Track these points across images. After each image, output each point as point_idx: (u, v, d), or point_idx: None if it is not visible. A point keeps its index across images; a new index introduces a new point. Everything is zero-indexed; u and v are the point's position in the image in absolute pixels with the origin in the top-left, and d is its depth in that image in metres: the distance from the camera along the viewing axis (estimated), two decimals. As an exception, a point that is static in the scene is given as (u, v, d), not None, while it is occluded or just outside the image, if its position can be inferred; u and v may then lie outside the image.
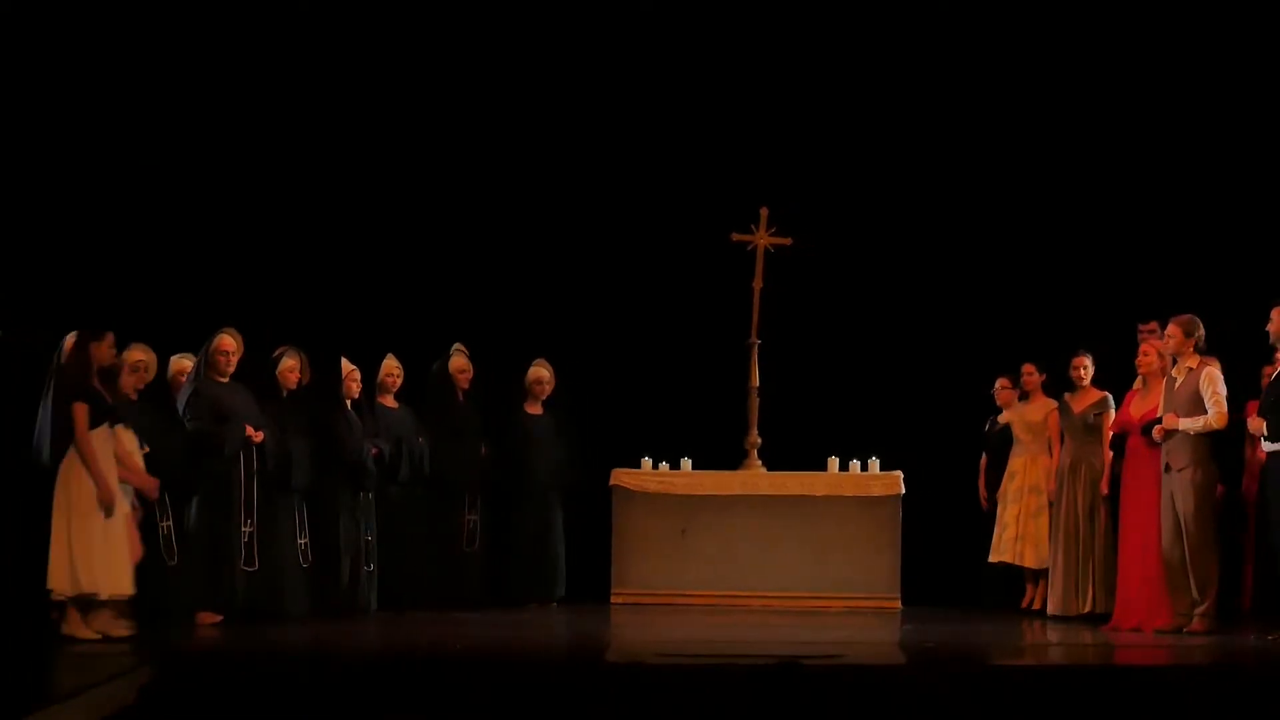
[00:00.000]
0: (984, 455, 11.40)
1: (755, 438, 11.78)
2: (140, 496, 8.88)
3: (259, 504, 9.70)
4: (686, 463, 11.70)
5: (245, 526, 9.61)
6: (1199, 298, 9.80)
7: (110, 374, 8.71)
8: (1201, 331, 9.36)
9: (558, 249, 12.28)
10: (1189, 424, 9.23)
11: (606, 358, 12.10)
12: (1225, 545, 9.58)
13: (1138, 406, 9.73)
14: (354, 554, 10.28)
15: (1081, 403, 10.42)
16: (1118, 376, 10.24)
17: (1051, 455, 10.75)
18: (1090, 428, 10.34)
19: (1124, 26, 11.81)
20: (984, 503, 11.31)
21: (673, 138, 12.25)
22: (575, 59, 12.15)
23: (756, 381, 11.81)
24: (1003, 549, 10.91)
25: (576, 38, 12.12)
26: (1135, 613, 9.53)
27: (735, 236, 11.92)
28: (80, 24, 11.36)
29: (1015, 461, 11.00)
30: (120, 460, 8.63)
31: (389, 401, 10.88)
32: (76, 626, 8.34)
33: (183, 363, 9.92)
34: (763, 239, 11.93)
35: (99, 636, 8.35)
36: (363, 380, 10.58)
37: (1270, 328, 9.10)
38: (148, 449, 8.97)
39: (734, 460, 11.77)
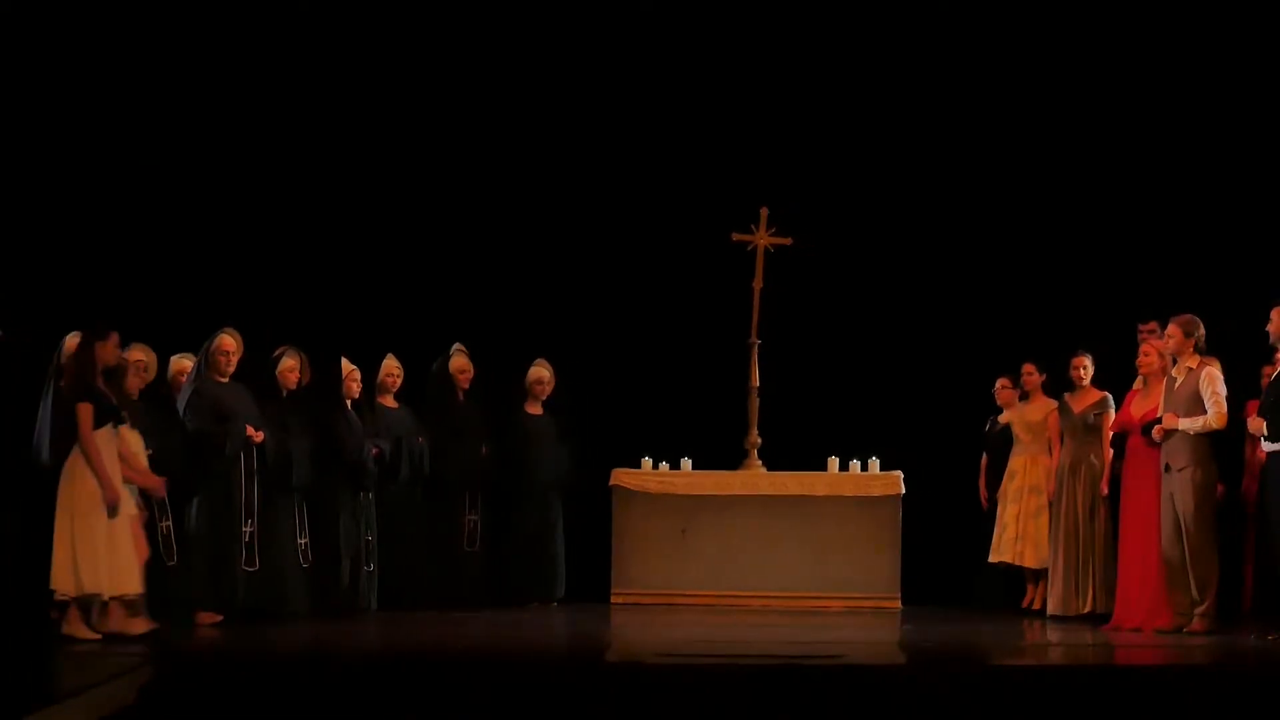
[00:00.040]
0: (984, 455, 11.40)
1: (755, 438, 11.79)
2: (144, 496, 8.89)
3: (259, 504, 9.70)
4: (687, 463, 11.70)
5: (245, 526, 9.61)
6: (1199, 298, 9.80)
7: (115, 374, 8.70)
8: (1201, 331, 9.36)
9: (558, 249, 12.28)
10: (1189, 424, 9.23)
11: (606, 358, 12.09)
12: (1225, 545, 9.56)
13: (1138, 406, 9.72)
14: (354, 554, 10.29)
15: (1081, 403, 10.42)
16: (1118, 376, 10.25)
17: (1051, 455, 10.74)
18: (1090, 428, 10.33)
19: (1123, 26, 11.81)
20: (984, 503, 11.30)
21: (673, 138, 12.25)
22: (575, 59, 12.15)
23: (756, 381, 11.81)
24: (1003, 549, 10.91)
25: (576, 38, 12.12)
26: (1135, 613, 9.53)
27: (735, 236, 11.92)
28: (80, 24, 11.37)
29: (1015, 461, 11.00)
30: (125, 460, 8.61)
31: (389, 401, 10.88)
32: (77, 626, 8.33)
33: (183, 363, 9.93)
34: (763, 239, 11.93)
35: (99, 636, 8.34)
36: (363, 380, 10.59)
37: (1270, 328, 9.09)
38: (151, 451, 8.97)
39: (734, 460, 11.77)
